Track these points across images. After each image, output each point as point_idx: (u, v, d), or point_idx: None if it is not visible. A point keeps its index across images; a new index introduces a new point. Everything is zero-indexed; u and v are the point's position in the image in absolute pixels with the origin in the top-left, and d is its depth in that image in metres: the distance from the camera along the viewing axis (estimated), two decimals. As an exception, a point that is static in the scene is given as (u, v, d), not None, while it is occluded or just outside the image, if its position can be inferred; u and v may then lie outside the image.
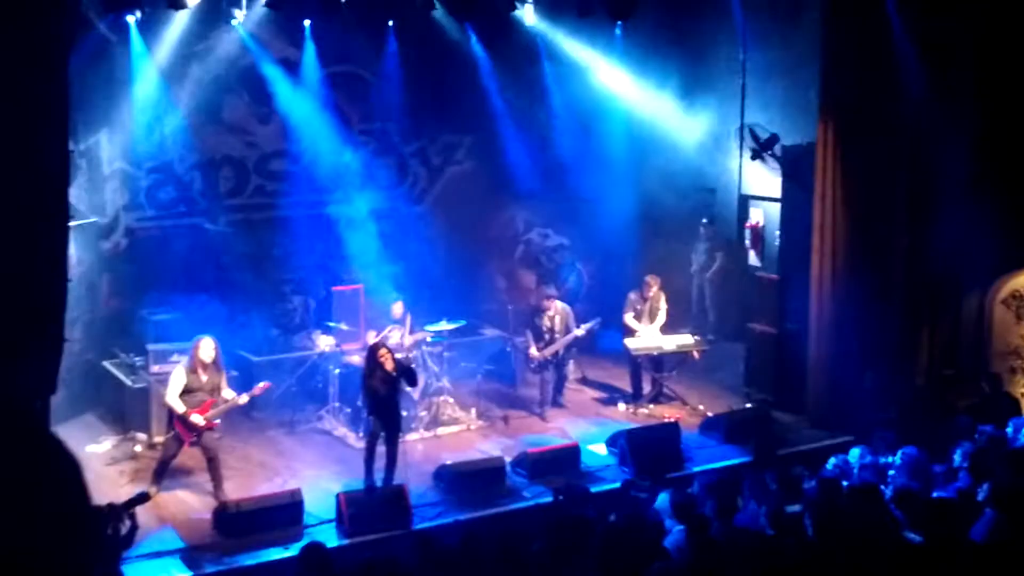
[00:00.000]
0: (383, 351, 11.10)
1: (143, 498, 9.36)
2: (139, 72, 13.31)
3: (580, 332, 13.75)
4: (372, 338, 12.43)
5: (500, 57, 15.33)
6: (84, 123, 12.52)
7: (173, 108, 13.83)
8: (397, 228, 14.64)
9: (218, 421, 10.93)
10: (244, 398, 11.09)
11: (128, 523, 8.58)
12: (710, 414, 13.39)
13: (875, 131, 12.87)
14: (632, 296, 14.11)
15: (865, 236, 13.04)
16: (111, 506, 8.56)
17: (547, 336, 13.66)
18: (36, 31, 8.12)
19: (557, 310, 13.73)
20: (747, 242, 16.19)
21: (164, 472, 10.98)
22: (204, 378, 10.87)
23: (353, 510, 10.17)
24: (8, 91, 8.06)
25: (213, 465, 10.87)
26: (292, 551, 9.38)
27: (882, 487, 8.98)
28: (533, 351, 13.64)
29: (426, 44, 14.90)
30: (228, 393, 11.03)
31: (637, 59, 15.63)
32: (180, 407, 10.70)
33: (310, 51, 14.33)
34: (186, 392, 10.77)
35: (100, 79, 12.84)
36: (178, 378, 10.81)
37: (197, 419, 10.70)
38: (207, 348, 10.88)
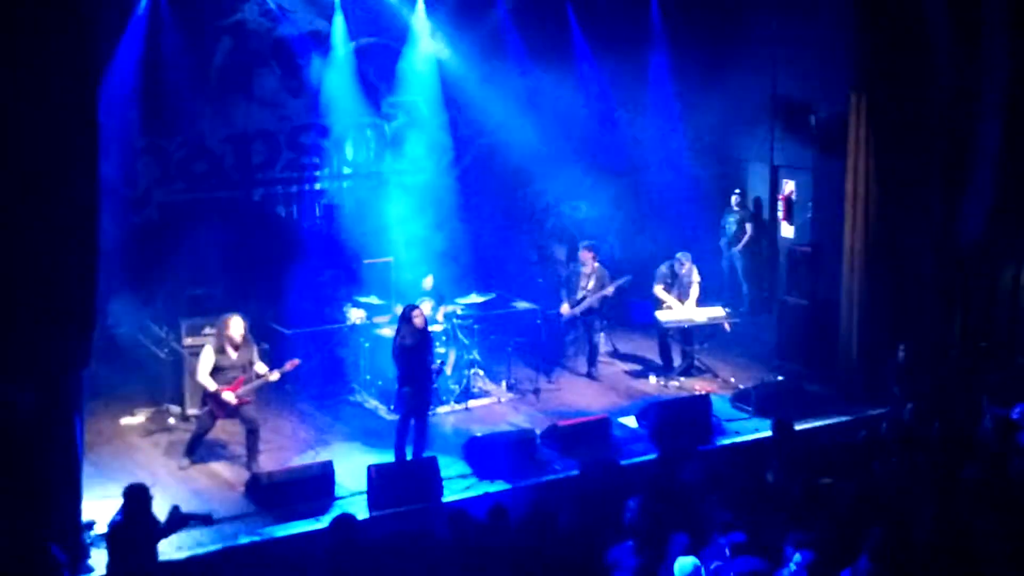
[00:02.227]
0: (416, 311, 11.13)
1: (206, 520, 9.28)
2: (170, 45, 13.33)
3: (610, 291, 13.79)
4: (401, 311, 12.43)
5: (533, 29, 15.24)
6: (115, 96, 12.54)
7: (204, 81, 13.85)
8: (427, 201, 14.60)
9: (250, 398, 11.00)
10: (275, 375, 11.13)
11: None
12: (741, 386, 13.36)
13: (908, 101, 12.71)
14: (663, 269, 14.02)
15: (898, 207, 12.90)
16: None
17: (581, 294, 13.76)
18: (64, 11, 8.15)
19: (594, 269, 13.85)
20: (779, 213, 16.11)
21: (198, 446, 11.11)
22: (234, 355, 10.94)
23: (384, 482, 10.23)
24: (35, 65, 8.10)
25: (252, 437, 10.97)
26: (323, 522, 9.48)
27: None
28: (565, 307, 13.78)
29: (458, 14, 14.86)
30: (261, 367, 11.09)
31: (667, 29, 15.55)
32: (212, 385, 10.79)
33: (340, 22, 14.29)
34: (217, 370, 10.84)
35: (130, 52, 12.90)
36: (207, 357, 10.87)
37: (228, 396, 10.79)
38: (236, 326, 10.94)
